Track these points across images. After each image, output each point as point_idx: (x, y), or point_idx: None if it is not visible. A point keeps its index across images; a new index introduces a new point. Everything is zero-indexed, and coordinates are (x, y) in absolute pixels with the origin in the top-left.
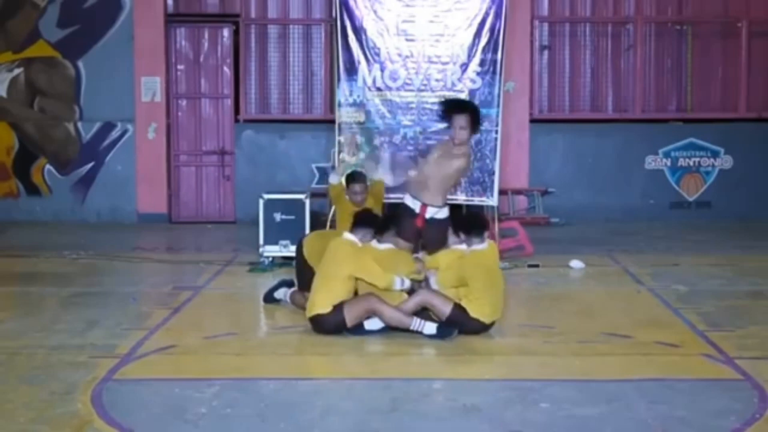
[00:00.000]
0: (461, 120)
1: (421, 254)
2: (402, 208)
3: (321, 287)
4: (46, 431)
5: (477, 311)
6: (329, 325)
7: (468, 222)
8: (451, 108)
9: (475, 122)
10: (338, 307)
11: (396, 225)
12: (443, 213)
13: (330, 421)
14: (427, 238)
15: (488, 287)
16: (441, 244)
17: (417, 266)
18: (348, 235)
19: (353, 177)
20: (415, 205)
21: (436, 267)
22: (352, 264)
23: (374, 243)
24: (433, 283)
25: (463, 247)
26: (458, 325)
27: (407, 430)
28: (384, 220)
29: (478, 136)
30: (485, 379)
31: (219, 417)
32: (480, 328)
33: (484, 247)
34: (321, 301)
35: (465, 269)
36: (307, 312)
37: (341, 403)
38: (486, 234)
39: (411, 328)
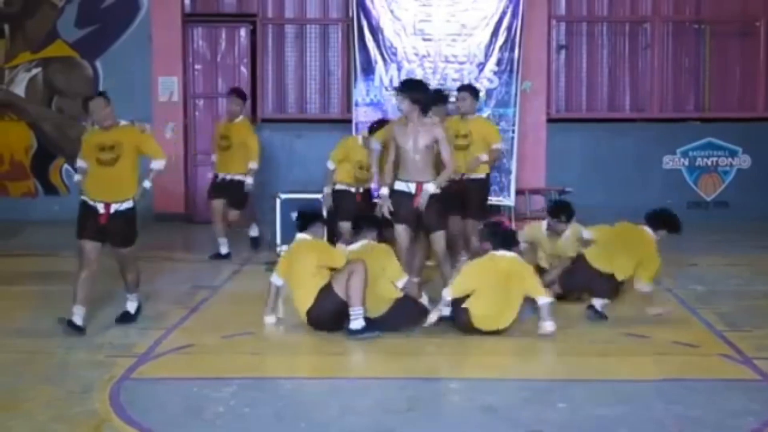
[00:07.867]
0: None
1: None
2: (394, 192)
3: (296, 290)
4: (65, 430)
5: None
6: (326, 311)
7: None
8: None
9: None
10: (323, 292)
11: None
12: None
13: (347, 420)
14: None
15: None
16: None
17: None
18: (300, 236)
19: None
20: (410, 188)
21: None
22: (313, 253)
23: (343, 247)
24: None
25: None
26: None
27: (424, 430)
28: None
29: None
30: (502, 379)
31: (236, 416)
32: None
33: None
34: (302, 301)
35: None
36: (300, 318)
37: (358, 403)
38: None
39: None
